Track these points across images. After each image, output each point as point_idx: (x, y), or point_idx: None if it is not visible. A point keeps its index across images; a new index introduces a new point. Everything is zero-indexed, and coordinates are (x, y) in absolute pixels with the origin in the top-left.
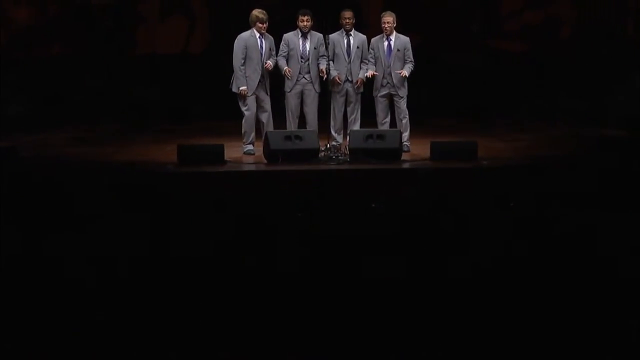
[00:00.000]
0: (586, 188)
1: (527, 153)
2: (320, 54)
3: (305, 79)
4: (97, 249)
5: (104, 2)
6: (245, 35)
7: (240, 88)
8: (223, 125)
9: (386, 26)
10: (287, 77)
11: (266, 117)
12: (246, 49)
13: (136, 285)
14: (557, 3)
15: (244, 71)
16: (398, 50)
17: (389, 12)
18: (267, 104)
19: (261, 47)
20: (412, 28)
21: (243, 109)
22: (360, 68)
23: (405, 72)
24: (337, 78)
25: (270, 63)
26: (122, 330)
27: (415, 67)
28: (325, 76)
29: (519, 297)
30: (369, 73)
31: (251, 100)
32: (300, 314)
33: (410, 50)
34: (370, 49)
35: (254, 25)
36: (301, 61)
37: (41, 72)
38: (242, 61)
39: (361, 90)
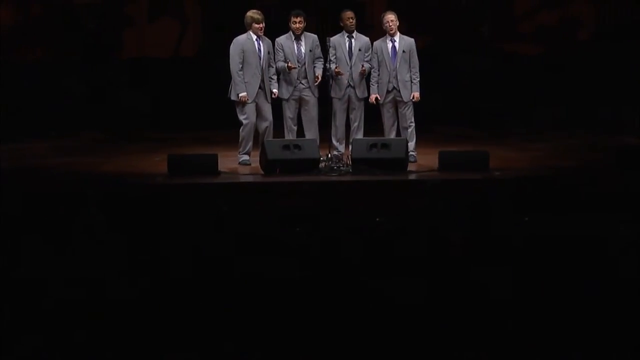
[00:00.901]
0: (604, 202)
1: (543, 164)
2: (316, 57)
3: (303, 84)
4: (83, 269)
5: (88, 2)
6: (241, 38)
7: (240, 94)
8: (217, 134)
9: (390, 25)
10: (291, 68)
11: (266, 126)
12: (243, 52)
13: (126, 308)
14: (575, 2)
15: (242, 76)
16: (404, 51)
17: (390, 11)
18: (268, 112)
19: (259, 50)
20: (418, 30)
21: (241, 117)
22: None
23: (418, 84)
24: (336, 70)
25: (275, 91)
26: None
27: (420, 71)
28: (319, 81)
29: (537, 321)
30: (363, 69)
31: (250, 108)
32: (296, 343)
33: (416, 53)
34: (373, 53)
35: (250, 27)
36: (297, 65)
37: (21, 76)
38: (240, 66)
39: (366, 94)
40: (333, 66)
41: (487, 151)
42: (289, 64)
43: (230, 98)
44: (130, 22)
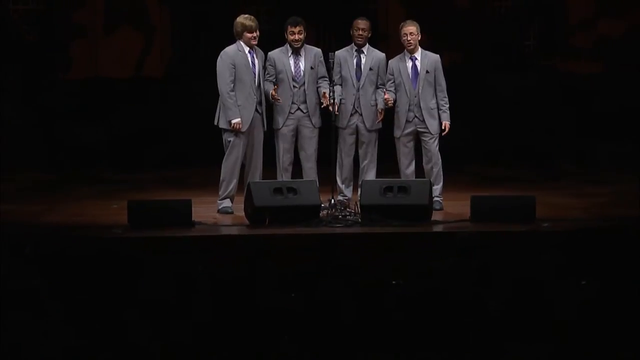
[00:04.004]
0: None
1: (604, 213)
2: (320, 75)
3: (301, 110)
4: (16, 351)
5: (27, 7)
6: (231, 50)
7: (233, 121)
8: (190, 174)
9: (409, 38)
10: (276, 102)
11: (256, 162)
12: (234, 68)
13: None
14: None
15: (235, 98)
16: (427, 72)
17: (410, 21)
18: (260, 144)
19: (253, 64)
20: (448, 44)
21: (227, 150)
22: (375, 97)
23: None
24: (273, 95)
25: (273, 92)
26: None
27: (448, 95)
28: (328, 103)
29: None
30: (386, 98)
31: (241, 139)
32: None
33: (442, 72)
34: (388, 74)
35: (241, 36)
36: (293, 87)
37: None
38: (231, 85)
39: (380, 125)
40: (338, 90)
41: (532, 196)
42: (274, 93)
43: (218, 126)
44: (81, 33)
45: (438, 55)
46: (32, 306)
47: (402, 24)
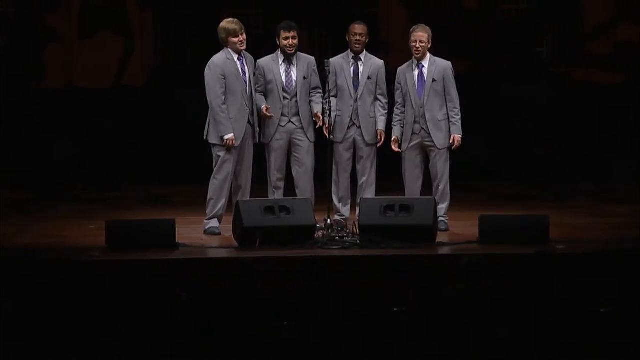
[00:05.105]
0: None
1: (624, 234)
2: (313, 86)
3: (293, 123)
4: None
5: None
6: (219, 59)
7: (226, 137)
8: (174, 191)
9: (418, 46)
10: (266, 117)
11: (246, 178)
12: (224, 78)
13: None
14: None
15: (227, 112)
16: (434, 80)
17: (422, 27)
18: (250, 158)
19: (243, 72)
20: (454, 51)
21: (217, 167)
22: (374, 109)
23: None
24: (264, 111)
25: (264, 107)
26: None
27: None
28: (322, 124)
29: None
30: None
31: (232, 155)
32: None
33: (452, 81)
34: (396, 83)
35: (227, 42)
36: (284, 98)
37: None
38: (223, 98)
39: (380, 143)
40: (334, 102)
41: (546, 216)
42: (265, 109)
43: (207, 141)
44: (54, 38)
45: (449, 63)
46: (2, 334)
47: (413, 28)
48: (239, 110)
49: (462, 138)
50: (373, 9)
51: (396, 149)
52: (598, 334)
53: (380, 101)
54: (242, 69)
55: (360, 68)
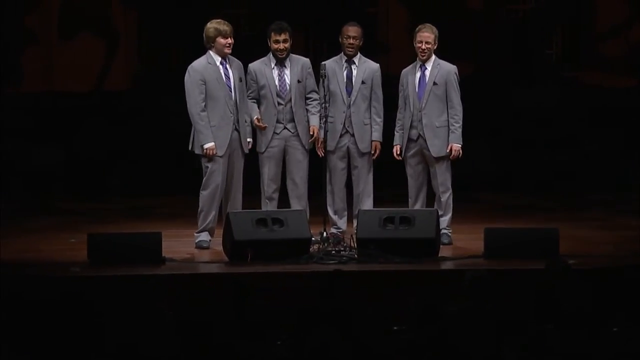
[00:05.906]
0: None
1: (637, 248)
2: (309, 90)
3: (289, 130)
4: None
5: None
6: (199, 64)
7: (206, 146)
8: (160, 203)
9: (423, 47)
10: (260, 128)
11: (236, 189)
12: (205, 84)
13: None
14: None
15: (206, 119)
16: (435, 83)
17: (429, 27)
18: (240, 168)
19: (227, 77)
20: (458, 54)
21: (206, 177)
22: (368, 115)
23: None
24: (256, 122)
25: (249, 140)
26: None
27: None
28: (316, 136)
29: None
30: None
31: (220, 165)
32: None
33: (456, 86)
34: (400, 86)
35: (214, 43)
36: (278, 104)
37: None
38: (202, 105)
39: (375, 156)
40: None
41: (556, 228)
42: (257, 120)
43: (193, 151)
44: (33, 40)
45: (454, 67)
46: None
47: (418, 27)
48: (222, 117)
49: (461, 148)
50: (372, 8)
51: (398, 157)
52: (608, 351)
53: (376, 108)
54: (225, 73)
55: (354, 72)
